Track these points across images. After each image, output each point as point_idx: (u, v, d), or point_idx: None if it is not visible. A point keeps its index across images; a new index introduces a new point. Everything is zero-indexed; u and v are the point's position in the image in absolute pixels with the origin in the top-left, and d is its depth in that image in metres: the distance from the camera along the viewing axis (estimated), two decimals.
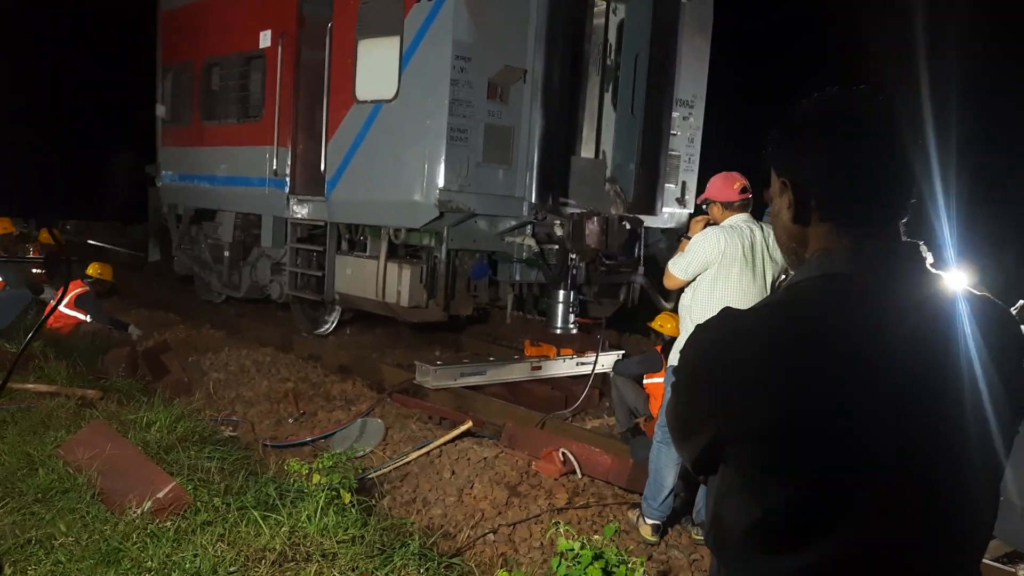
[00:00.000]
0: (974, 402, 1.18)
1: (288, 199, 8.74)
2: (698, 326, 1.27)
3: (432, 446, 5.38)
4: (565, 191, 7.56)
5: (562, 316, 7.35)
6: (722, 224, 4.28)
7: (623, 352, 7.92)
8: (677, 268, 4.30)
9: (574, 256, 7.13)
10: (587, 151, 8.14)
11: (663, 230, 8.05)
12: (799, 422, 1.16)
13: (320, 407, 6.50)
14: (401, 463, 5.23)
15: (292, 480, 4.37)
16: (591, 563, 3.35)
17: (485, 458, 5.27)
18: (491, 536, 4.39)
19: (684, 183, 8.27)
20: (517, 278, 7.79)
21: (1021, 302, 4.71)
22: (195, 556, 3.55)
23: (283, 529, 3.82)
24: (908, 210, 1.27)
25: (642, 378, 6.02)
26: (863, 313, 1.19)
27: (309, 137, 8.61)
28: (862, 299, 1.21)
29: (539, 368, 7.61)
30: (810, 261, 1.31)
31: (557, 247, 7.26)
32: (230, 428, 6.05)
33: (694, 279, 4.26)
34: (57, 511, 3.91)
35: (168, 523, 3.81)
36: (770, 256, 4.23)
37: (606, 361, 7.22)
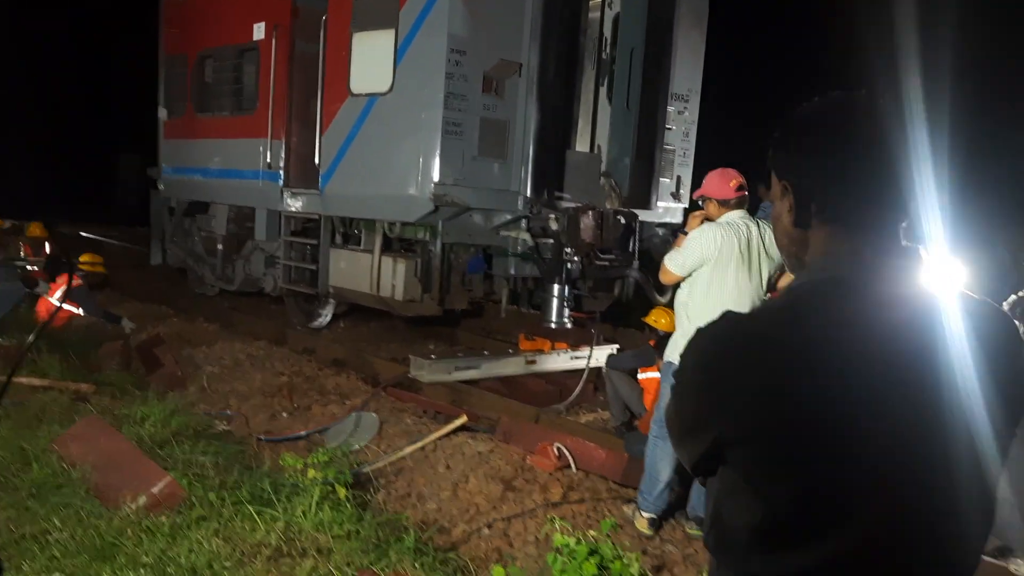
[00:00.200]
0: (970, 408, 1.19)
1: (282, 192, 8.72)
2: (699, 330, 1.27)
3: (427, 440, 5.38)
4: (560, 185, 7.54)
5: (557, 310, 7.34)
6: (719, 220, 4.29)
7: (617, 346, 7.93)
8: (673, 264, 4.31)
9: (569, 250, 7.12)
10: (582, 145, 8.13)
11: (658, 224, 8.06)
12: (800, 426, 1.16)
13: (314, 401, 6.49)
14: (396, 458, 5.22)
15: (287, 475, 4.36)
16: (586, 558, 3.36)
17: (480, 452, 5.27)
18: (486, 531, 4.39)
19: (679, 177, 8.26)
20: (512, 272, 7.79)
21: (1013, 296, 4.73)
22: (190, 551, 3.56)
23: (278, 524, 3.83)
24: (908, 214, 1.27)
25: (636, 372, 6.04)
26: (863, 317, 1.19)
27: (303, 130, 8.59)
28: (862, 303, 1.21)
29: (534, 362, 7.62)
30: (811, 265, 1.31)
31: (552, 241, 7.24)
32: (224, 422, 6.04)
33: (690, 275, 4.27)
34: (52, 506, 3.92)
35: (163, 518, 3.81)
36: (766, 252, 4.24)
37: (600, 355, 7.23)
